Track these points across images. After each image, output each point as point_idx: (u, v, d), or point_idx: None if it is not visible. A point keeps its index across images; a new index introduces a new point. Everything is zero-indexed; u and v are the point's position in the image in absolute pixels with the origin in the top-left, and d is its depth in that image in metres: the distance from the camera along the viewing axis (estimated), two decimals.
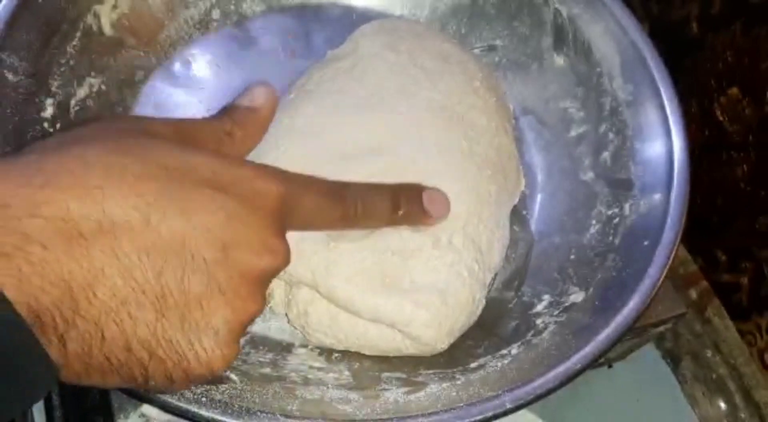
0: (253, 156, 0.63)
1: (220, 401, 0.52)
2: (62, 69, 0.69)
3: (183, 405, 0.51)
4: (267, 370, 0.59)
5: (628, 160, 0.69)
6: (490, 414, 0.53)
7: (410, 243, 0.58)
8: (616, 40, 0.72)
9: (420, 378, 0.58)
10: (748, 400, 0.81)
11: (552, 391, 0.55)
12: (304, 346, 0.63)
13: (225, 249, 0.40)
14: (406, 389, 0.57)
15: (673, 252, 0.61)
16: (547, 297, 0.65)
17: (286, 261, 0.45)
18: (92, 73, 0.71)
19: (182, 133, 0.48)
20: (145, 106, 0.74)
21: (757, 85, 0.75)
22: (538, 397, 0.54)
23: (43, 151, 0.40)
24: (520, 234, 0.71)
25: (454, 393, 0.56)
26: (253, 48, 0.80)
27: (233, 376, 0.55)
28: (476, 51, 0.80)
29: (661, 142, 0.67)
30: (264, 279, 0.44)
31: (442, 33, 0.79)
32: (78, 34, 0.70)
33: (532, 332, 0.62)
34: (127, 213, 0.37)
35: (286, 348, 0.63)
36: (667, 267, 0.60)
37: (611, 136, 0.72)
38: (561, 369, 0.55)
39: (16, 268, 0.34)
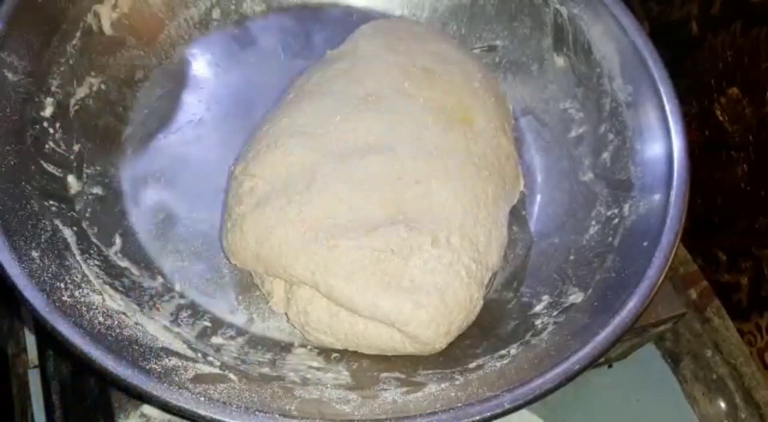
0: (253, 155, 0.63)
1: (218, 401, 0.52)
2: (62, 68, 0.69)
3: (182, 404, 0.51)
4: (266, 370, 0.59)
5: (627, 160, 0.69)
6: (488, 414, 0.53)
7: (409, 243, 0.59)
8: (616, 40, 0.72)
9: (419, 379, 0.59)
10: (748, 400, 0.81)
11: (551, 391, 0.55)
12: (303, 346, 0.63)
13: None
14: (404, 389, 0.57)
15: (673, 253, 0.61)
16: (546, 298, 0.65)
17: None
18: (92, 73, 0.71)
19: None
20: (144, 106, 0.74)
21: (757, 85, 0.75)
22: (537, 397, 0.54)
23: None
24: (519, 234, 0.71)
25: (453, 394, 0.56)
26: (253, 48, 0.80)
27: (232, 376, 0.56)
28: (476, 51, 0.80)
29: (661, 143, 0.67)
30: None
31: (442, 33, 0.79)
32: (78, 33, 0.71)
33: (531, 332, 0.62)
34: None
35: (285, 347, 0.63)
36: (667, 268, 0.60)
37: (611, 136, 0.72)
38: (560, 370, 0.55)
39: None
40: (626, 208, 0.67)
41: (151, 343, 0.56)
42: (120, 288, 0.61)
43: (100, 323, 0.56)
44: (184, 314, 0.63)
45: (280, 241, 0.59)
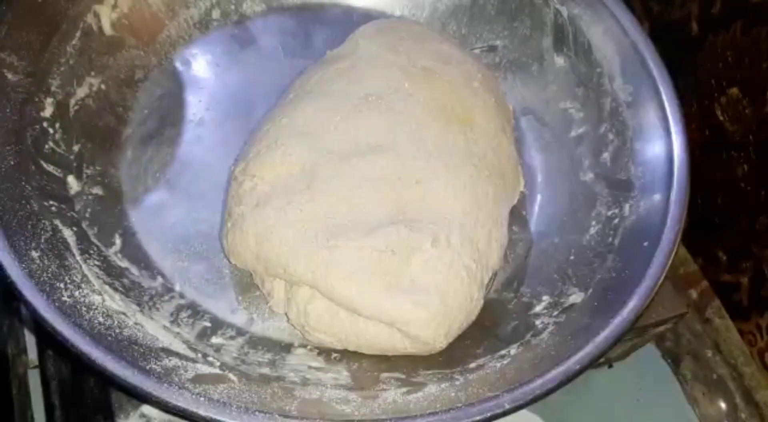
0: (253, 155, 0.63)
1: (218, 401, 0.52)
2: (62, 68, 0.69)
3: (182, 405, 0.51)
4: (266, 370, 0.59)
5: (628, 160, 0.69)
6: (488, 414, 0.53)
7: (410, 243, 0.58)
8: (616, 40, 0.72)
9: (419, 379, 0.58)
10: (748, 400, 0.81)
11: (551, 392, 0.55)
12: (303, 346, 0.63)
13: None
14: (404, 389, 0.57)
15: (673, 253, 0.61)
16: (546, 298, 0.65)
17: None
18: (92, 73, 0.71)
19: None
20: (144, 106, 0.74)
21: (757, 85, 0.75)
22: (538, 398, 0.54)
23: None
24: (519, 234, 0.71)
25: (453, 394, 0.56)
26: (253, 48, 0.80)
27: (232, 376, 0.56)
28: (476, 51, 0.80)
29: (661, 143, 0.67)
30: None
31: (442, 33, 0.79)
32: (78, 33, 0.71)
33: (531, 332, 0.62)
34: None
35: (284, 348, 0.63)
36: (667, 268, 0.60)
37: (611, 136, 0.72)
38: (560, 370, 0.55)
39: None
40: (626, 207, 0.67)
41: (151, 343, 0.56)
42: (120, 289, 0.61)
43: (100, 323, 0.56)
44: (184, 314, 0.63)
45: (280, 241, 0.59)
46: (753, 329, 0.82)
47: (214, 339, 0.62)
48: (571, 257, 0.68)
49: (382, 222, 0.60)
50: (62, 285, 0.56)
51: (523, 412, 0.57)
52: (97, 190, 0.68)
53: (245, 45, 0.80)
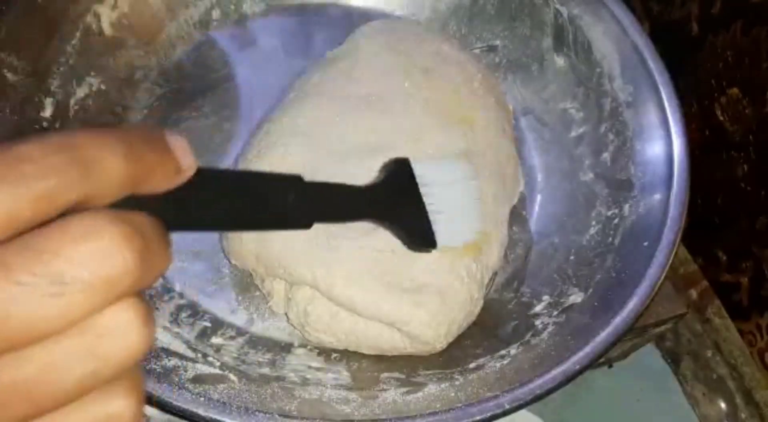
0: (253, 155, 0.63)
1: (218, 401, 0.52)
2: (62, 68, 0.69)
3: (182, 404, 0.51)
4: (266, 370, 0.59)
5: (628, 160, 0.69)
6: (488, 414, 0.53)
7: None
8: (616, 40, 0.72)
9: (419, 379, 0.58)
10: (748, 400, 0.81)
11: (551, 392, 0.55)
12: (303, 346, 0.63)
13: None
14: (404, 389, 0.57)
15: (673, 253, 0.61)
16: (546, 298, 0.65)
17: None
18: (92, 73, 0.71)
19: None
20: (144, 106, 0.74)
21: (757, 85, 0.75)
22: (537, 398, 0.54)
23: None
24: (519, 234, 0.71)
25: (453, 394, 0.56)
26: (253, 48, 0.80)
27: (232, 376, 0.56)
28: (476, 51, 0.80)
29: (661, 143, 0.67)
30: None
31: (442, 33, 0.79)
32: (78, 33, 0.71)
33: (531, 332, 0.62)
34: None
35: (284, 348, 0.63)
36: (667, 268, 0.60)
37: (611, 136, 0.72)
38: (560, 370, 0.55)
39: None
40: (626, 207, 0.67)
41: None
42: None
43: None
44: (183, 314, 0.63)
45: (280, 241, 0.59)
46: (753, 329, 0.82)
47: (214, 339, 0.62)
48: (571, 257, 0.68)
49: None
50: None
51: (523, 412, 0.57)
52: None
53: (245, 45, 0.80)
